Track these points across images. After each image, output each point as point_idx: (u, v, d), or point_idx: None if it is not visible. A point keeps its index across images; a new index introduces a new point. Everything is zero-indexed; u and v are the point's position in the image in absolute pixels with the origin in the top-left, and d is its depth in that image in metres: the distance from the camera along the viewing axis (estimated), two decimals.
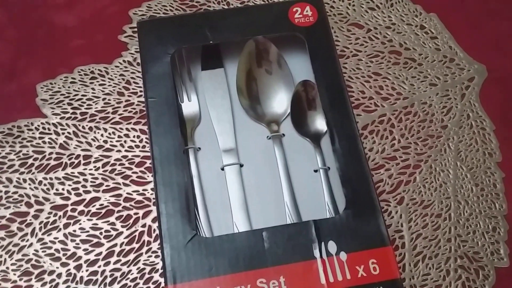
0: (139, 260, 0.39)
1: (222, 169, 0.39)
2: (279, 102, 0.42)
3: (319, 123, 0.41)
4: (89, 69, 0.46)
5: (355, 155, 0.37)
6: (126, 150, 0.43)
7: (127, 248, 0.39)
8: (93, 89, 0.45)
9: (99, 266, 0.39)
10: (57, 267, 0.39)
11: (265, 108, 0.42)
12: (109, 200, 0.41)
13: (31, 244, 0.39)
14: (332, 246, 0.33)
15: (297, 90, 0.42)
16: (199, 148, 0.40)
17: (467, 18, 0.53)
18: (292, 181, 0.39)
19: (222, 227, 0.37)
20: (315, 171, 0.40)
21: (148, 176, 0.42)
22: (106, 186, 0.41)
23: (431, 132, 0.46)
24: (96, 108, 0.45)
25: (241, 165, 0.40)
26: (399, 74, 0.48)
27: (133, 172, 0.42)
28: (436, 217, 0.42)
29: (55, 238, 0.39)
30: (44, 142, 0.43)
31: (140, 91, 0.45)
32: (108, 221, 0.40)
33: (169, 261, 0.32)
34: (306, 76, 0.42)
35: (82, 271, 0.39)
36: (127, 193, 0.41)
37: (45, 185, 0.41)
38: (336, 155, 0.37)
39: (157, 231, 0.40)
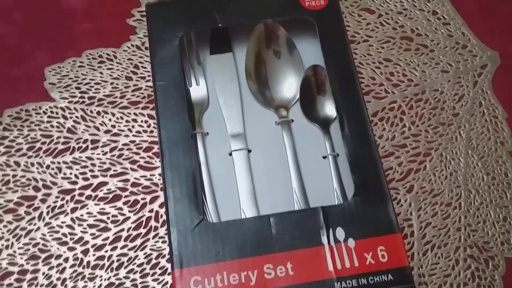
0: (146, 246, 0.39)
1: (230, 154, 0.39)
2: (288, 87, 0.41)
3: (329, 109, 0.40)
4: (97, 53, 0.46)
5: (364, 141, 0.36)
6: (134, 135, 0.43)
7: (134, 233, 0.39)
8: (101, 73, 0.45)
9: (106, 251, 0.39)
10: (64, 252, 0.39)
11: (274, 93, 0.41)
12: (116, 185, 0.41)
13: (38, 228, 0.39)
14: (340, 233, 0.33)
15: (307, 75, 0.41)
16: (207, 133, 0.40)
17: (481, 4, 0.51)
18: (301, 167, 0.39)
19: (229, 213, 0.37)
20: (324, 157, 0.39)
21: (155, 162, 0.42)
22: (114, 171, 0.41)
23: (442, 119, 0.45)
24: (104, 92, 0.44)
25: (249, 151, 0.39)
26: (410, 60, 0.47)
27: (140, 157, 0.42)
28: (446, 206, 0.42)
29: (63, 222, 0.39)
30: (52, 126, 0.43)
31: (148, 76, 0.45)
32: (116, 206, 0.40)
33: (176, 245, 0.32)
34: (316, 61, 0.41)
35: (89, 256, 0.39)
36: (135, 178, 0.41)
37: (52, 169, 0.41)
38: (345, 141, 0.36)
39: (164, 217, 0.40)
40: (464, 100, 0.46)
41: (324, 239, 0.33)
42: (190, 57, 0.41)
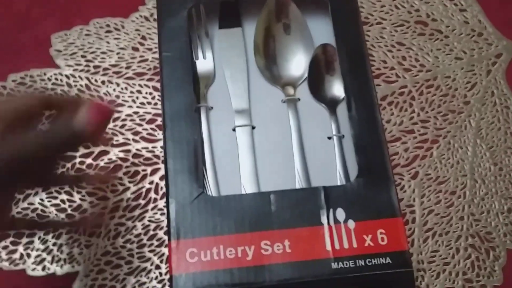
0: (144, 217, 0.39)
1: (234, 129, 0.38)
2: (297, 64, 0.41)
3: (337, 89, 0.40)
4: (105, 22, 0.45)
5: (371, 124, 0.35)
6: (137, 106, 0.42)
7: (133, 203, 0.39)
8: (108, 42, 0.44)
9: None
10: (62, 218, 0.39)
11: (282, 70, 0.40)
12: (118, 155, 0.40)
13: (36, 193, 0.39)
14: (340, 214, 0.32)
15: (316, 54, 0.40)
16: (212, 107, 0.39)
17: None
18: (305, 147, 0.38)
19: (230, 188, 0.36)
20: (329, 138, 0.39)
21: (158, 134, 0.41)
22: (116, 140, 0.41)
23: (452, 107, 0.44)
24: (110, 62, 0.44)
25: (253, 127, 0.38)
26: (423, 45, 0.46)
27: (143, 129, 0.41)
28: (450, 194, 0.41)
29: (61, 188, 0.39)
30: (56, 94, 0.42)
31: (155, 48, 0.44)
32: (116, 175, 0.40)
33: (174, 216, 0.32)
34: (326, 40, 0.40)
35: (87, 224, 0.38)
36: (137, 149, 0.41)
37: None
38: (352, 123, 0.36)
39: (164, 189, 0.39)
40: (476, 89, 0.45)
41: (324, 219, 0.32)
42: (198, 29, 0.41)
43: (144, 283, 0.37)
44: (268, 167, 0.38)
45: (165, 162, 0.34)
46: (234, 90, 0.40)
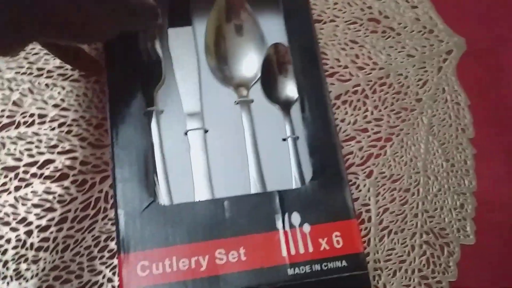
0: (94, 228, 0.37)
1: (186, 133, 0.37)
2: (249, 64, 0.40)
3: (290, 90, 0.39)
4: None
5: (324, 124, 0.35)
6: (84, 111, 0.40)
7: (82, 214, 0.37)
8: None
9: (51, 232, 0.37)
10: (6, 232, 0.36)
11: (234, 71, 0.39)
12: (64, 163, 0.39)
13: None
14: (295, 218, 0.32)
15: (269, 53, 0.39)
16: (162, 111, 0.38)
17: None
18: (259, 150, 0.37)
19: (183, 195, 0.35)
20: (284, 139, 0.38)
21: (106, 139, 0.39)
22: (62, 147, 0.39)
23: (405, 104, 0.44)
24: (54, 63, 0.41)
25: (206, 131, 0.37)
26: (376, 43, 0.46)
27: (90, 134, 0.40)
28: (404, 191, 0.41)
29: (5, 201, 0.37)
30: None
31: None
32: (63, 185, 0.38)
33: (123, 228, 0.31)
34: (279, 39, 0.40)
35: (33, 237, 0.36)
36: (84, 156, 0.39)
37: None
38: (305, 124, 0.35)
39: None
40: (428, 86, 0.46)
41: (279, 224, 0.32)
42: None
43: None
44: (222, 172, 0.37)
45: (112, 170, 0.32)
46: (185, 92, 0.38)
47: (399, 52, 0.46)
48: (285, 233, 0.32)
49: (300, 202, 0.33)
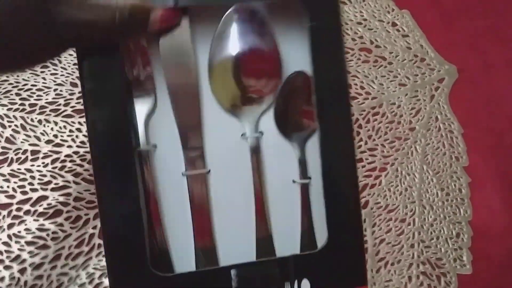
0: (89, 265, 0.37)
1: (184, 175, 0.32)
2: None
3: (308, 123, 0.34)
4: None
5: (347, 170, 0.31)
6: (77, 146, 0.40)
7: (76, 251, 0.37)
8: (44, 78, 0.42)
9: (45, 270, 0.36)
10: (0, 270, 0.36)
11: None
12: (57, 199, 0.38)
13: None
14: (305, 284, 0.30)
15: (289, 81, 0.34)
16: (155, 146, 0.32)
17: (440, 16, 0.51)
18: (268, 196, 0.33)
19: (182, 256, 0.32)
20: (294, 181, 0.34)
21: None
22: (55, 184, 0.39)
23: (398, 134, 0.45)
24: (47, 99, 0.41)
25: (208, 171, 0.33)
26: (368, 72, 0.47)
27: (84, 170, 0.39)
28: (400, 222, 0.41)
29: None
30: None
31: None
32: (56, 222, 0.38)
33: None
34: (300, 66, 0.34)
35: (27, 275, 0.36)
36: (78, 192, 0.39)
37: None
38: (324, 161, 0.31)
39: None
40: (421, 115, 0.46)
41: None
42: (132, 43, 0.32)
43: None
44: (227, 224, 0.33)
45: (102, 230, 0.28)
46: (182, 122, 0.32)
47: (391, 81, 0.47)
48: None
49: (311, 267, 0.30)
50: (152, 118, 0.33)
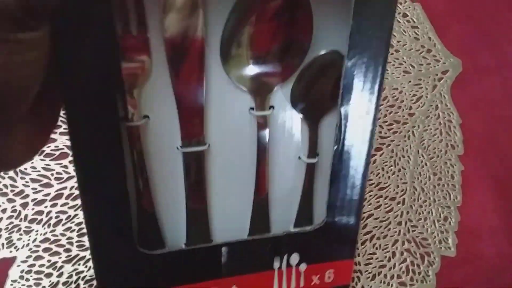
0: None
1: (179, 148, 0.29)
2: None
3: (329, 105, 0.32)
4: None
5: (361, 153, 0.30)
6: None
7: (77, 192, 0.39)
8: None
9: (46, 207, 0.38)
10: (3, 202, 0.38)
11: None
12: (65, 143, 0.40)
13: None
14: (294, 258, 0.31)
15: (319, 58, 0.30)
16: (148, 117, 0.27)
17: (451, 12, 0.53)
18: (271, 171, 0.32)
19: (174, 234, 0.31)
20: (300, 158, 0.32)
21: None
22: (64, 128, 0.41)
23: (397, 117, 0.46)
24: None
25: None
26: None
27: None
28: (390, 199, 0.42)
29: (5, 173, 0.39)
30: None
31: None
32: (61, 163, 0.40)
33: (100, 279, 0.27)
34: (333, 44, 0.30)
35: (28, 209, 0.38)
36: None
37: None
38: (338, 141, 0.29)
39: None
40: (422, 102, 0.47)
41: (276, 264, 0.30)
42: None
43: (82, 271, 0.37)
44: (223, 202, 0.31)
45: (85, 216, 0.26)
46: (181, 89, 0.27)
47: (396, 68, 0.48)
48: (280, 272, 0.31)
49: (303, 243, 0.30)
50: (146, 83, 0.27)
